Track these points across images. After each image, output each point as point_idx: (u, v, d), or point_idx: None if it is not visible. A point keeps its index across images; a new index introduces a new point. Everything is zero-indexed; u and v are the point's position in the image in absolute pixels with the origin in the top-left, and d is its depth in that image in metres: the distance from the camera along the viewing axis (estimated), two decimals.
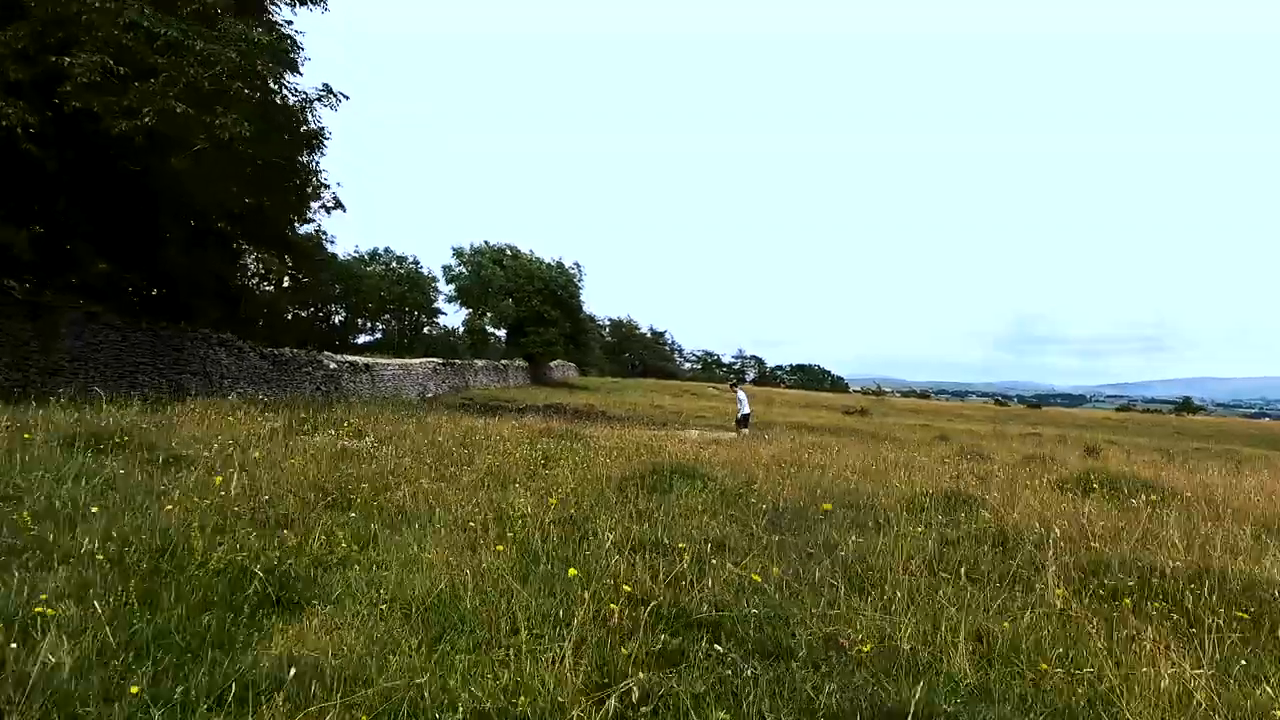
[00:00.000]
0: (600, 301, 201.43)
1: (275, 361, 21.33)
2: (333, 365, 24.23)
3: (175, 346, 17.23)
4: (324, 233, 49.46)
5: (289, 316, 48.15)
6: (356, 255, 58.81)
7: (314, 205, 50.33)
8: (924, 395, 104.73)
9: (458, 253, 47.51)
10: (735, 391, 22.95)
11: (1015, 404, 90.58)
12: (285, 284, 49.17)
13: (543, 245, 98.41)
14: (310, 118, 15.44)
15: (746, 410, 22.15)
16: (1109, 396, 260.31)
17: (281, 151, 15.69)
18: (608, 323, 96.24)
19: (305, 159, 18.33)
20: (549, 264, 53.75)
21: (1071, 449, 29.40)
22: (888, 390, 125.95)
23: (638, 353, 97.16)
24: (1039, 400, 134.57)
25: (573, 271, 54.06)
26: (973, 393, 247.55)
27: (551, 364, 59.55)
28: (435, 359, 35.45)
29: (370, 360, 28.22)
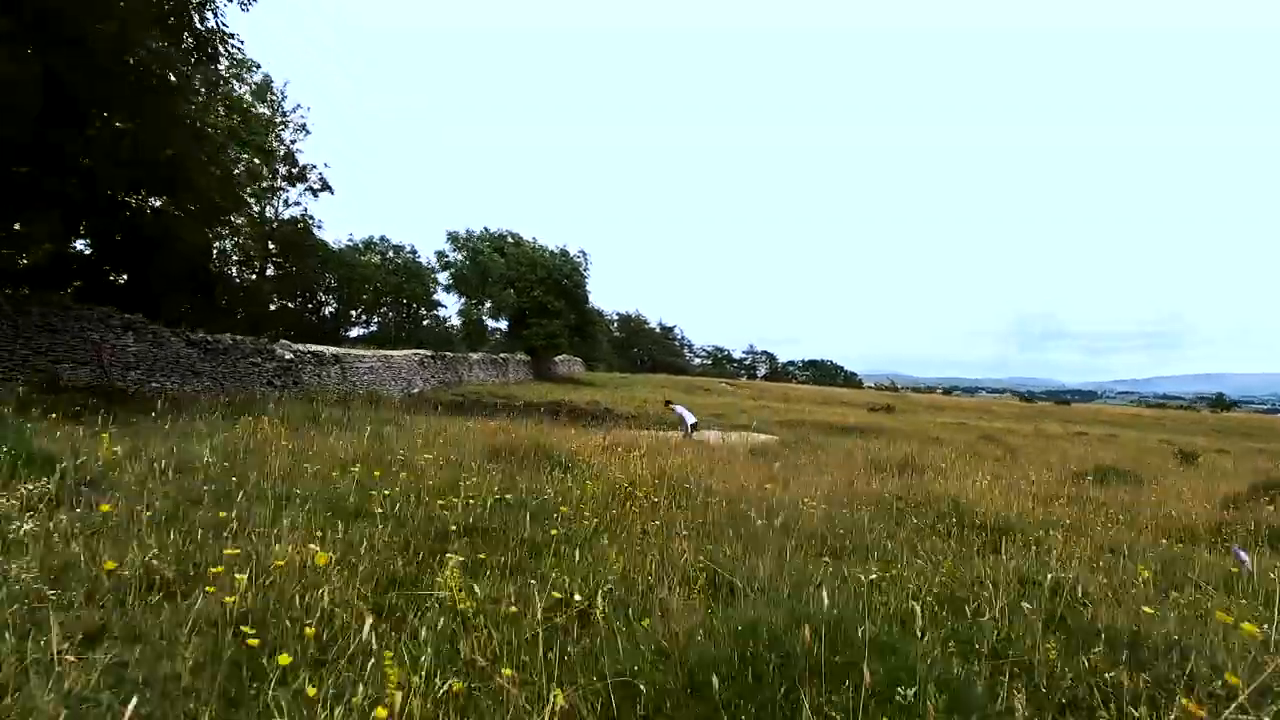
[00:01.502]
0: (609, 296, 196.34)
1: (208, 349, 16.97)
2: (288, 355, 19.86)
3: (49, 328, 12.90)
4: (311, 217, 45.31)
5: (273, 307, 43.94)
6: (350, 244, 54.64)
7: (300, 186, 45.48)
8: (947, 391, 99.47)
9: (453, 238, 43.12)
10: (673, 408, 23.15)
11: (1038, 400, 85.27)
12: (269, 271, 45.13)
13: (547, 235, 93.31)
14: (209, 16, 11.08)
15: (692, 420, 21.83)
16: (1120, 393, 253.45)
17: (142, 36, 11.13)
18: (616, 317, 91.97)
19: (199, 70, 13.75)
20: (553, 252, 49.29)
21: (1156, 455, 24.72)
22: (901, 386, 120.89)
23: (646, 348, 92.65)
24: (1059, 396, 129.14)
25: (578, 260, 49.61)
26: (982, 389, 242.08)
27: (556, 359, 55.18)
28: (423, 350, 31.08)
29: (341, 351, 23.86)
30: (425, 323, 62.04)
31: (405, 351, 29.26)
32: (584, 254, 49.98)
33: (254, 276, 42.47)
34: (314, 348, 21.78)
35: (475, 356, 37.51)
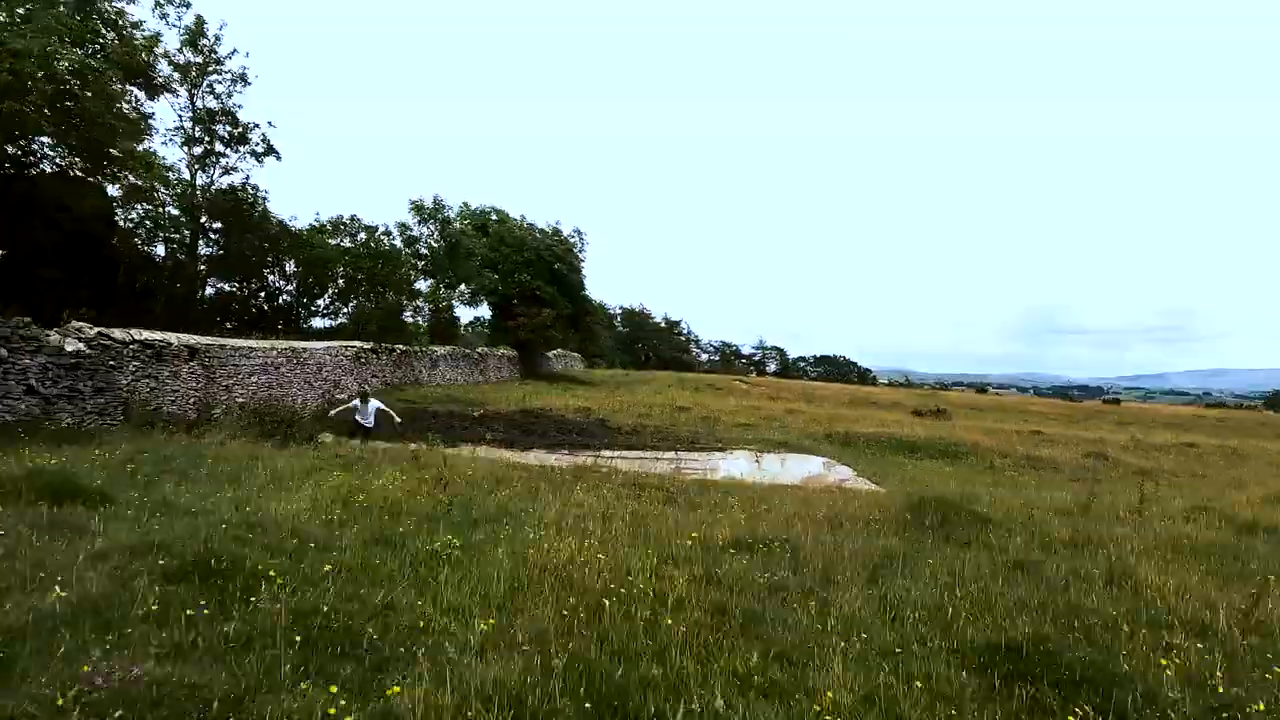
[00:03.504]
0: (614, 290, 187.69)
1: None
2: (73, 347, 11.85)
3: None
4: (254, 187, 37.35)
5: (210, 291, 35.97)
6: (316, 224, 46.67)
7: (241, 150, 37.45)
8: (981, 390, 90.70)
9: (417, 208, 35.00)
10: (366, 403, 15.86)
11: (1081, 399, 76.14)
12: (203, 250, 37.23)
13: (539, 214, 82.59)
14: None
15: (371, 422, 15.53)
16: (1127, 388, 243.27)
17: None
18: (620, 311, 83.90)
19: None
20: (543, 230, 41.23)
21: None
22: (916, 383, 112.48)
23: (651, 343, 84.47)
24: (1066, 392, 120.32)
25: (572, 240, 41.59)
26: (989, 383, 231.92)
27: (550, 354, 47.16)
28: (356, 343, 23.07)
29: (204, 340, 15.84)
30: (407, 315, 54.06)
31: (327, 344, 21.25)
32: (579, 233, 41.94)
33: (183, 256, 34.53)
34: (147, 335, 13.77)
35: (441, 350, 29.54)
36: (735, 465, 18.19)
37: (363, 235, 47.19)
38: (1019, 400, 56.69)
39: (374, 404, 15.52)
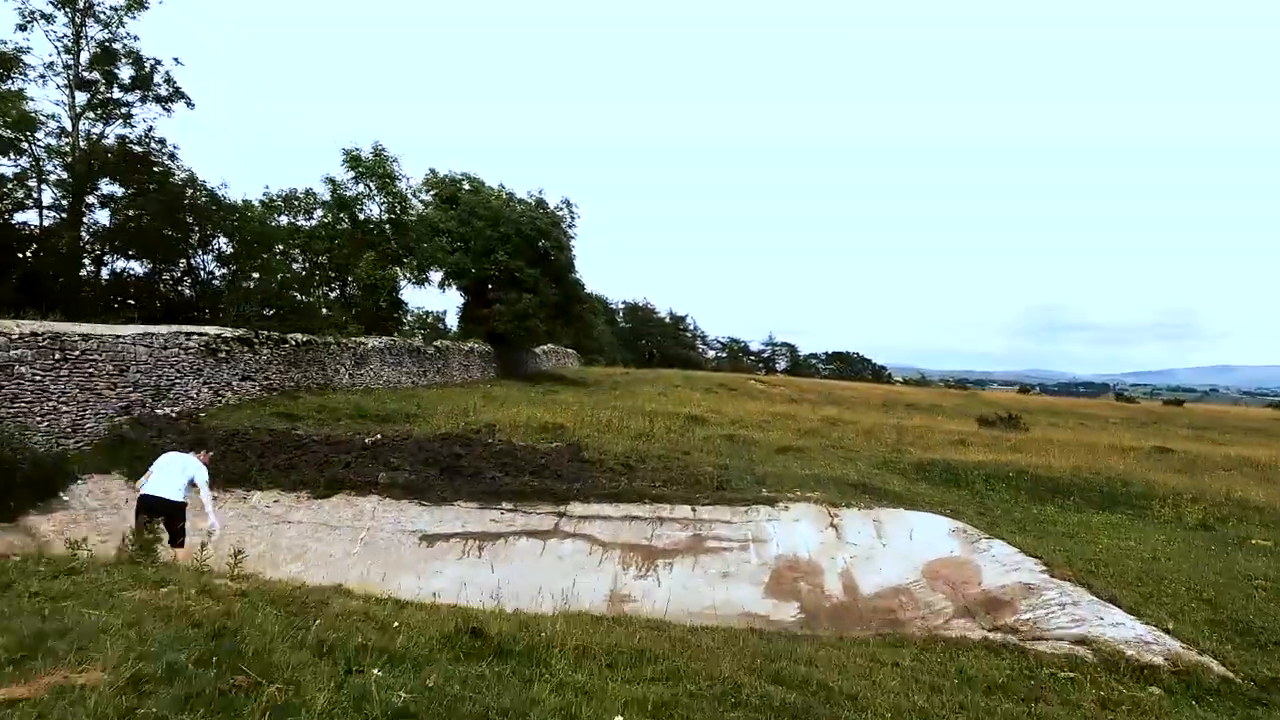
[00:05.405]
0: (616, 285, 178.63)
1: None
2: None
3: None
4: (161, 140, 29.55)
5: (105, 274, 27.97)
6: (266, 198, 38.64)
7: (143, 96, 29.70)
8: (1024, 390, 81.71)
9: (351, 159, 26.87)
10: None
11: (1139, 400, 66.89)
12: (102, 219, 29.35)
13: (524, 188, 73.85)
14: None
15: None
16: (1134, 384, 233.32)
17: None
18: (622, 306, 75.87)
19: None
20: (523, 201, 33.14)
21: None
22: (933, 381, 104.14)
23: (655, 339, 76.32)
24: (1071, 389, 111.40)
25: (560, 213, 33.43)
26: (994, 381, 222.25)
27: (540, 350, 39.11)
28: (211, 329, 14.99)
29: None
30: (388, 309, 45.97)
31: (147, 328, 13.13)
32: (568, 204, 33.75)
33: (63, 228, 26.51)
34: None
35: (373, 343, 21.45)
36: (798, 537, 10.11)
37: (320, 212, 38.82)
38: (1072, 403, 48.28)
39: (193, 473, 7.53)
